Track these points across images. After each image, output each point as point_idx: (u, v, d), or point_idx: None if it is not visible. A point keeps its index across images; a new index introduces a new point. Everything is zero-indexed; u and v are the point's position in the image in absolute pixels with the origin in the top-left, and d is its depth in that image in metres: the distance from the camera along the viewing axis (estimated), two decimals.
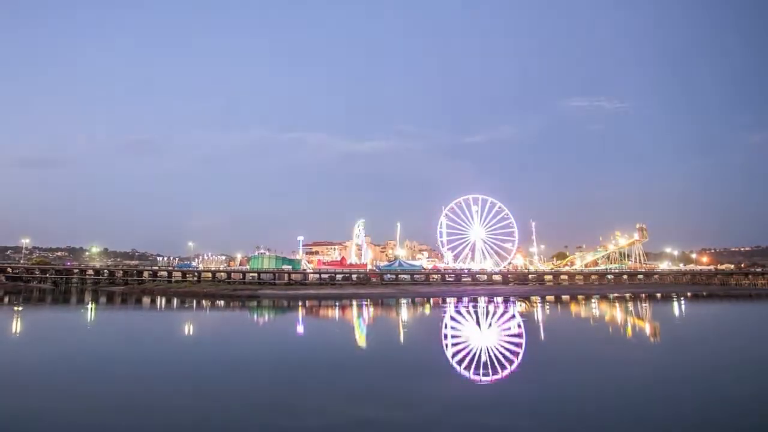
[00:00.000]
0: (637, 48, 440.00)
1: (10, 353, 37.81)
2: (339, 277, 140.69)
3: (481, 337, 49.14)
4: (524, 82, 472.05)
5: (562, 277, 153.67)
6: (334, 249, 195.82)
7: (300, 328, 58.86)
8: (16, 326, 55.74)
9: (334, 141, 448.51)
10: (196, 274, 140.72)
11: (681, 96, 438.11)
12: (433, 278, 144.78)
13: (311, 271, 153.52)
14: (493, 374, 29.81)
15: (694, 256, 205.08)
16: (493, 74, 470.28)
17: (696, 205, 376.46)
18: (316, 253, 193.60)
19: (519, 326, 57.52)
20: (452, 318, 66.91)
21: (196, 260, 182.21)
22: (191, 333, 52.25)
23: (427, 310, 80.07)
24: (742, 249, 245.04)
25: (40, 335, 50.15)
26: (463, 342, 45.31)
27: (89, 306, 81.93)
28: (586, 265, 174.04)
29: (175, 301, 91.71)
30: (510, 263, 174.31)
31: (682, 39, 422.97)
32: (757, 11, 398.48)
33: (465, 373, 30.49)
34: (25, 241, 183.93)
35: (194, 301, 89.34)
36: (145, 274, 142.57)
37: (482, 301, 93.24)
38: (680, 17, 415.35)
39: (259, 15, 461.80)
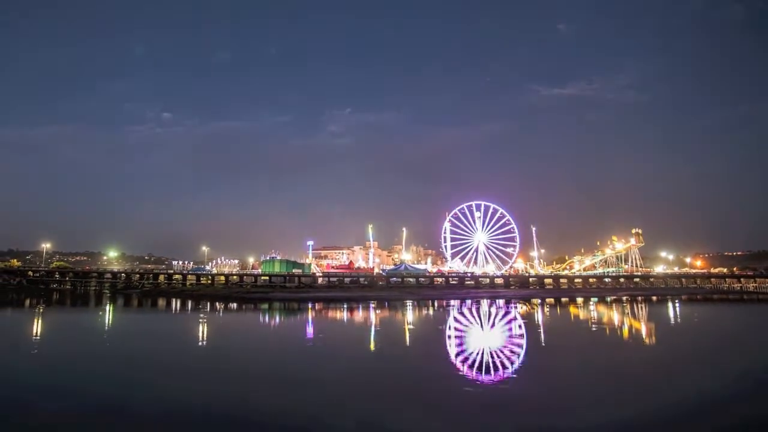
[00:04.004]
0: (629, 49, 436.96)
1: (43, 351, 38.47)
2: (347, 280, 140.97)
3: (484, 338, 49.40)
4: (522, 73, 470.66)
5: (562, 280, 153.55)
6: (342, 253, 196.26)
7: (311, 329, 59.19)
8: (39, 328, 56.19)
9: (338, 142, 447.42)
10: (209, 277, 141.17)
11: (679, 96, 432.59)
12: (438, 282, 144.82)
13: (320, 274, 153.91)
14: (495, 375, 30.09)
15: (688, 260, 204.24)
16: (491, 67, 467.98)
17: (691, 210, 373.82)
18: (325, 257, 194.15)
19: (520, 327, 57.74)
20: (456, 320, 67.17)
21: (210, 264, 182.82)
22: (210, 334, 52.67)
23: (432, 312, 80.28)
24: (735, 254, 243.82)
25: (54, 336, 50.71)
26: (467, 343, 45.59)
27: (108, 308, 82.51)
28: (584, 269, 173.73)
29: (189, 303, 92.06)
30: (511, 267, 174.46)
31: (678, 40, 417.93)
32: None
33: (468, 373, 30.75)
34: (46, 246, 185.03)
35: (208, 304, 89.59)
36: (161, 277, 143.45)
37: (485, 304, 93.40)
38: (683, 19, 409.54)
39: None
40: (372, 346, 43.46)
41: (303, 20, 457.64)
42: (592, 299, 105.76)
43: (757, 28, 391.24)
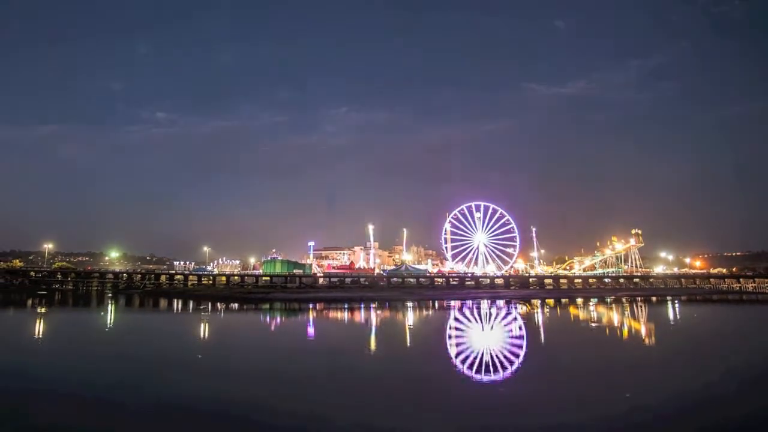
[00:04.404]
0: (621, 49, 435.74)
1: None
2: (348, 280, 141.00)
3: (484, 338, 49.38)
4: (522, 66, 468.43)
5: (562, 280, 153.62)
6: (343, 254, 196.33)
7: (312, 329, 59.21)
8: (44, 329, 56.13)
9: (338, 142, 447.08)
10: (211, 278, 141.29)
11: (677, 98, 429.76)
12: (438, 282, 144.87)
13: (321, 275, 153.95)
14: (495, 375, 30.09)
15: (687, 260, 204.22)
16: (490, 65, 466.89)
17: (690, 211, 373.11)
18: (326, 257, 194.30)
19: (520, 328, 57.75)
20: (456, 320, 67.17)
21: (212, 265, 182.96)
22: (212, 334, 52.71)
23: (433, 313, 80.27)
24: (734, 254, 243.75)
25: (57, 336, 50.74)
26: (467, 344, 45.60)
27: (110, 308, 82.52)
28: (584, 269, 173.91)
29: (191, 303, 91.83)
30: (511, 267, 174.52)
31: (677, 38, 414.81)
32: None
33: (469, 373, 30.73)
34: (48, 246, 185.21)
35: (209, 304, 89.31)
36: (163, 278, 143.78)
37: (485, 304, 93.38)
38: (682, 16, 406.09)
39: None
40: (373, 347, 43.43)
41: (301, 20, 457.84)
42: (591, 300, 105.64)
43: (757, 26, 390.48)
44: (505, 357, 36.35)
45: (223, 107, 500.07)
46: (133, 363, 32.99)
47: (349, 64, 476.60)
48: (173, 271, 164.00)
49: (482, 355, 37.42)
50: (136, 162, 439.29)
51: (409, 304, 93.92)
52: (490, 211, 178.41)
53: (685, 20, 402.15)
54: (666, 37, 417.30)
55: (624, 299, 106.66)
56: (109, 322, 63.46)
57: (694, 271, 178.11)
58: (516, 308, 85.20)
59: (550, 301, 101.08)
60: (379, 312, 79.27)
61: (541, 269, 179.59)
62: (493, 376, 29.32)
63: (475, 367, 31.98)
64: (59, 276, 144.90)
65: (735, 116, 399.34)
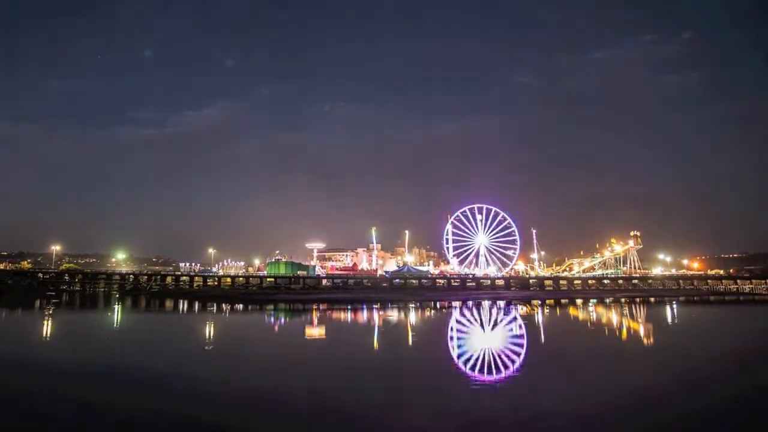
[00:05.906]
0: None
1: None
2: (351, 282, 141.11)
3: (485, 338, 49.67)
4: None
5: (562, 282, 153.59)
6: (346, 255, 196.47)
7: (315, 330, 59.48)
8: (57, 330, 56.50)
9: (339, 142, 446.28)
10: (216, 279, 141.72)
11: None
12: (440, 283, 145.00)
13: (325, 276, 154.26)
14: (496, 375, 30.41)
15: (685, 262, 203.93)
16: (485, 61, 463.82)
17: (688, 212, 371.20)
18: (329, 259, 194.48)
19: (521, 328, 58.02)
20: (458, 321, 67.45)
21: (217, 266, 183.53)
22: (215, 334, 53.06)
23: (434, 313, 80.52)
24: (731, 256, 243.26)
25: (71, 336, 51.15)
26: (468, 344, 45.92)
27: (118, 309, 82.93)
28: (584, 271, 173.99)
29: (197, 304, 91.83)
30: (512, 269, 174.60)
31: (676, 35, 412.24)
32: None
33: (470, 373, 31.05)
34: (56, 248, 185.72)
35: (215, 305, 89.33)
36: (168, 279, 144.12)
37: (486, 305, 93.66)
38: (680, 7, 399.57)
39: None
40: (375, 346, 43.76)
41: (295, 19, 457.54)
42: (591, 300, 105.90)
43: (759, 27, 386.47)
44: (506, 357, 36.67)
45: (221, 106, 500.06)
46: (145, 360, 33.40)
47: (345, 62, 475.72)
48: (179, 273, 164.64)
49: (483, 355, 37.73)
50: (137, 163, 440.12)
51: (411, 304, 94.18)
52: (491, 213, 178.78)
53: (687, 13, 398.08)
54: (667, 30, 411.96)
55: (623, 300, 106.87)
56: (123, 321, 63.90)
57: (691, 273, 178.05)
58: (516, 309, 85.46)
59: (550, 302, 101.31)
60: (381, 312, 79.52)
61: (541, 270, 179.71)
62: (493, 376, 29.63)
63: (476, 367, 32.31)
64: (66, 277, 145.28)
65: (735, 115, 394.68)
